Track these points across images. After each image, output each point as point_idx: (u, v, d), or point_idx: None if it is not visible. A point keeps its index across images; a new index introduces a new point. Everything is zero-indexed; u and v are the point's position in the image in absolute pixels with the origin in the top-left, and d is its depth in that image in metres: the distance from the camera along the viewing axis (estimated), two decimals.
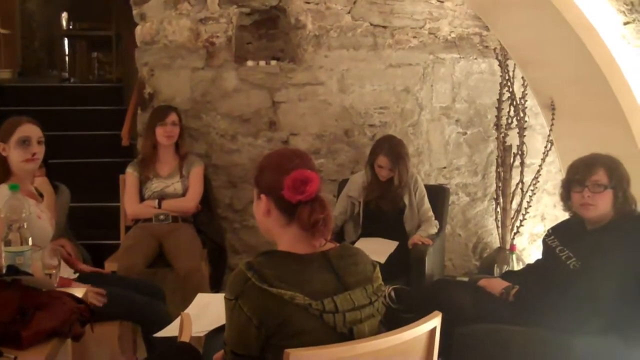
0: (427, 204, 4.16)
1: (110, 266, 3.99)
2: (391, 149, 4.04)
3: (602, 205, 2.84)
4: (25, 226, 2.33)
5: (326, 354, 1.70)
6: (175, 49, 4.75)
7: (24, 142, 3.00)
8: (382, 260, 3.67)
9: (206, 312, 2.66)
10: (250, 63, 4.85)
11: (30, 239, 2.35)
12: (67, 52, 9.32)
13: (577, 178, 2.90)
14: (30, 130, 3.04)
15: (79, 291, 2.38)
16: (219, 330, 2.30)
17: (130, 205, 4.21)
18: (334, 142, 4.93)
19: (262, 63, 4.87)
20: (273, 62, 4.90)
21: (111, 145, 5.36)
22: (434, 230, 4.11)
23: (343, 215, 4.18)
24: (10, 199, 2.40)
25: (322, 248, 1.86)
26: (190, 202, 4.22)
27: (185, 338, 2.06)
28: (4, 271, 2.27)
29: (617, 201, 2.83)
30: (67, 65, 9.19)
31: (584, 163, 2.92)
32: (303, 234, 1.83)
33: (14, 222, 2.32)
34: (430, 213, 4.14)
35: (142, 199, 4.22)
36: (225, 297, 1.78)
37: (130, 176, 4.24)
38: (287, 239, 1.86)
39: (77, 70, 9.04)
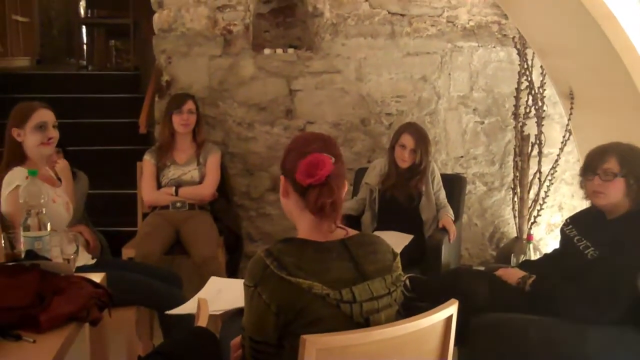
0: (443, 192, 4.16)
1: (127, 253, 4.02)
2: (416, 129, 4.09)
3: (612, 193, 2.82)
4: (44, 211, 2.35)
5: (342, 340, 1.70)
6: (192, 36, 4.76)
7: (41, 127, 3.03)
8: (397, 251, 3.67)
9: (219, 296, 2.67)
10: (267, 51, 4.85)
11: (49, 224, 2.37)
12: (85, 40, 9.34)
13: (589, 165, 2.90)
14: (46, 115, 3.06)
15: (96, 276, 2.39)
16: (237, 315, 2.31)
17: (147, 192, 4.23)
18: (350, 131, 4.93)
19: (279, 51, 4.87)
20: (290, 50, 4.90)
21: (128, 133, 5.38)
22: (451, 215, 4.12)
23: (363, 200, 4.19)
24: (29, 184, 2.43)
25: (342, 236, 1.87)
26: (207, 189, 4.23)
27: (202, 323, 2.07)
28: (22, 256, 2.30)
29: (629, 190, 2.80)
30: (85, 53, 9.21)
31: (598, 151, 2.91)
32: (318, 220, 1.83)
33: (32, 208, 2.34)
34: (446, 201, 4.15)
35: (159, 186, 4.24)
36: (244, 284, 1.79)
37: (147, 163, 4.26)
38: (305, 224, 1.86)
39: (95, 58, 9.06)
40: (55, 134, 3.09)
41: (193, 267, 3.94)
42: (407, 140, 4.02)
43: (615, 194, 2.81)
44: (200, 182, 4.24)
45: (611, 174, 2.80)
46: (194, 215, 4.16)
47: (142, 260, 3.77)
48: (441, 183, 4.17)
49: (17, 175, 2.87)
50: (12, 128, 3.03)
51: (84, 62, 8.71)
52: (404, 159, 4.04)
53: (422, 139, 4.04)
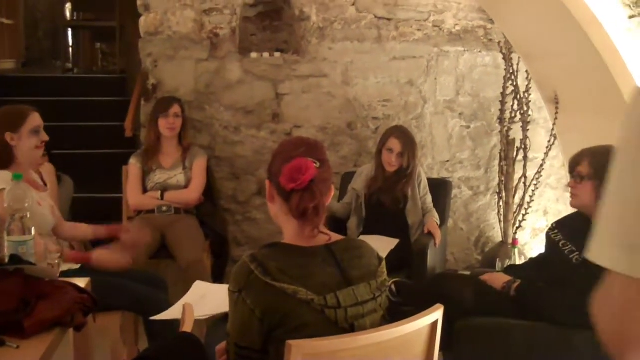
0: (430, 196, 4.17)
1: None
2: (403, 133, 4.11)
3: (583, 195, 2.87)
4: (28, 216, 2.33)
5: (328, 345, 1.70)
6: (179, 40, 4.75)
7: (37, 131, 3.04)
8: (382, 256, 3.67)
9: (204, 301, 2.67)
10: (254, 55, 4.85)
11: (33, 228, 2.36)
12: (70, 43, 9.31)
13: (569, 168, 2.99)
14: (39, 119, 3.08)
15: (81, 281, 2.38)
16: (222, 321, 2.31)
17: (132, 196, 4.21)
18: (337, 135, 4.93)
19: (266, 55, 4.87)
20: (277, 54, 4.89)
21: (114, 137, 5.35)
22: (438, 221, 4.13)
23: (349, 205, 4.20)
24: (13, 188, 2.41)
25: (326, 241, 1.87)
26: (193, 193, 4.22)
27: (187, 328, 2.06)
28: (6, 260, 2.28)
29: (599, 193, 2.82)
30: (70, 56, 9.17)
31: (577, 154, 2.96)
32: (301, 225, 1.83)
33: (17, 212, 2.32)
34: (432, 205, 4.16)
35: (144, 190, 4.22)
36: (229, 290, 1.79)
37: (133, 167, 4.24)
38: (290, 229, 1.86)
39: (81, 61, 9.03)
40: (46, 137, 3.10)
41: (178, 272, 3.93)
42: (394, 143, 4.03)
43: (585, 196, 2.86)
44: (186, 186, 4.22)
45: (580, 177, 2.87)
46: (180, 219, 4.15)
47: None
48: (428, 187, 4.18)
49: (2, 179, 2.85)
50: (5, 132, 3.01)
51: (70, 65, 8.67)
52: (391, 163, 4.05)
53: (409, 143, 4.05)
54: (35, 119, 3.05)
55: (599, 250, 1.08)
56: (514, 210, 4.81)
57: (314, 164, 1.81)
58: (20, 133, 3.00)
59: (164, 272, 3.98)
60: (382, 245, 3.81)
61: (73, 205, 4.23)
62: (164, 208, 4.16)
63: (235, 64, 4.81)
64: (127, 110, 4.88)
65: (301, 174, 1.78)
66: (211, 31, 4.77)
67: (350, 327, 1.76)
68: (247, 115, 4.85)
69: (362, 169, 4.31)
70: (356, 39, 4.89)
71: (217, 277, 4.30)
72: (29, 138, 3.01)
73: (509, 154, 4.81)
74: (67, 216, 3.83)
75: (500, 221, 4.89)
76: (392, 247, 3.81)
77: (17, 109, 3.08)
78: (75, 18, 9.03)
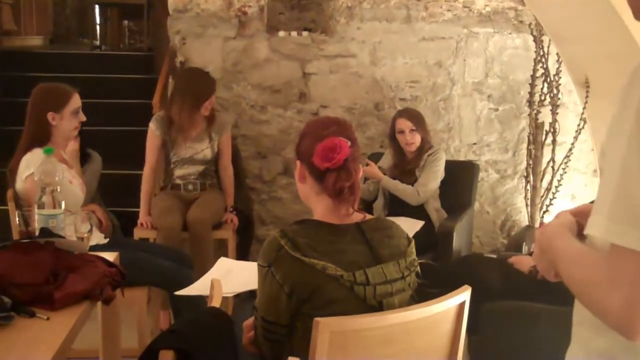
0: (429, 176, 4.07)
1: (139, 233, 4.01)
2: (406, 110, 4.19)
3: None
4: (58, 190, 2.36)
5: (356, 324, 1.70)
6: (207, 17, 4.74)
7: (77, 112, 3.07)
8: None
9: (229, 277, 2.67)
10: (281, 33, 4.83)
11: (63, 202, 2.38)
12: (98, 20, 9.35)
13: None
14: (79, 99, 3.11)
15: (110, 255, 2.40)
16: (249, 297, 2.32)
17: (146, 169, 4.19)
18: (364, 115, 4.91)
19: (293, 34, 4.85)
20: (305, 33, 4.87)
21: (142, 114, 5.37)
22: (409, 192, 4.04)
23: (375, 184, 4.19)
24: (44, 162, 2.44)
25: (357, 219, 1.87)
26: (230, 170, 4.23)
27: (215, 303, 2.07)
28: (37, 233, 2.31)
29: None
30: (98, 33, 9.21)
31: None
32: (337, 204, 1.83)
33: (47, 186, 2.35)
34: (424, 187, 4.03)
35: (168, 162, 4.19)
36: (258, 264, 1.80)
37: (152, 134, 4.15)
38: (322, 207, 1.87)
39: (108, 39, 9.06)
40: (84, 118, 3.14)
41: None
42: (402, 123, 4.05)
43: None
44: (212, 159, 4.17)
45: None
46: (205, 194, 4.13)
47: (165, 235, 3.76)
48: (439, 172, 4.10)
49: (35, 159, 2.88)
50: (47, 111, 3.03)
51: (97, 42, 8.70)
52: (409, 142, 4.05)
53: (415, 116, 4.09)
54: (77, 100, 3.09)
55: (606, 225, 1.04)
56: (542, 194, 4.77)
57: (347, 143, 1.81)
58: (62, 114, 3.03)
59: (189, 248, 4.00)
60: (408, 226, 3.79)
61: (100, 182, 4.25)
62: (190, 186, 4.15)
63: (263, 43, 4.80)
64: (155, 87, 4.89)
65: (336, 152, 1.77)
66: (239, 9, 4.76)
67: (379, 305, 1.77)
68: (274, 94, 4.85)
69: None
70: (385, 18, 4.85)
71: (242, 256, 4.32)
72: (70, 119, 3.04)
73: (537, 137, 4.75)
74: (95, 192, 3.86)
75: (527, 205, 4.85)
76: (418, 228, 3.80)
77: (61, 89, 3.10)
78: None
